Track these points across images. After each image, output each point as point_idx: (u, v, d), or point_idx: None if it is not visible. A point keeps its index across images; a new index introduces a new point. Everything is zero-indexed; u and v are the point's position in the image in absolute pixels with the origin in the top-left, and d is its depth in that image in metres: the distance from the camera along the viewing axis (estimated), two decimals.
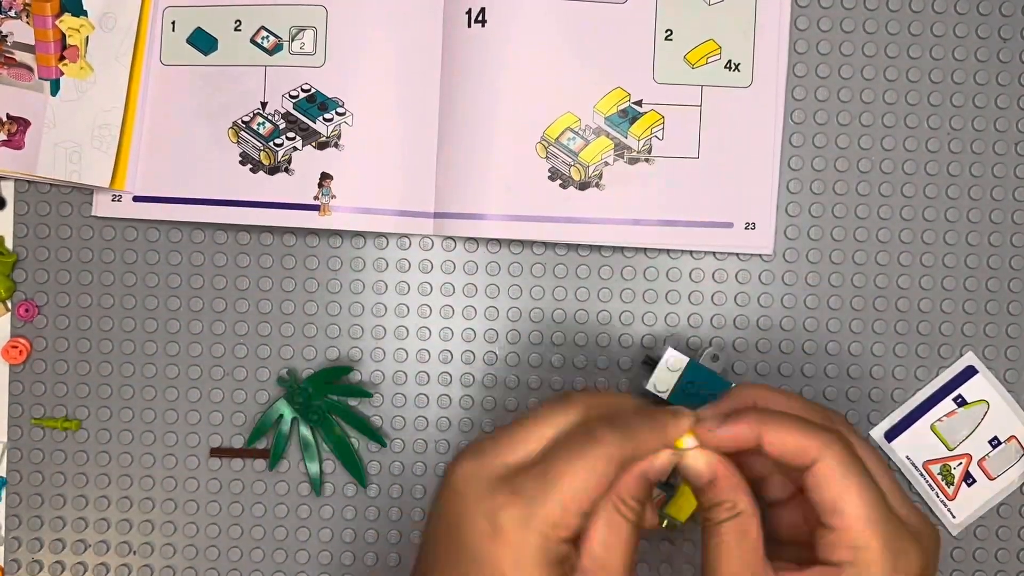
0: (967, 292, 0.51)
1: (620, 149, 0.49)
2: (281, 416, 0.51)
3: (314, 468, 0.51)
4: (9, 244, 0.52)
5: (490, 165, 0.49)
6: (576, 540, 0.36)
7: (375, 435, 0.51)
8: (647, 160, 0.49)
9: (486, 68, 0.49)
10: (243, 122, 0.50)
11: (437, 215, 0.50)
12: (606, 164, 0.49)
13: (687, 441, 0.36)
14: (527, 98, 0.49)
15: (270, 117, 0.50)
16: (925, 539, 0.36)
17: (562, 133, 0.49)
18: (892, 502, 0.36)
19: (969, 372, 0.51)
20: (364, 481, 0.51)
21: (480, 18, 0.48)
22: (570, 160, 0.49)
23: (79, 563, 0.52)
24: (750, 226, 0.50)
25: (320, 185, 0.49)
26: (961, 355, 0.51)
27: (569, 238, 0.50)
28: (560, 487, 0.34)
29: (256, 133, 0.50)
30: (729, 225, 0.50)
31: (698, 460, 0.36)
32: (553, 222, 0.49)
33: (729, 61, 0.49)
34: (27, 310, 0.52)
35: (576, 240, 0.50)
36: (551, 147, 0.49)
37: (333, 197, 0.49)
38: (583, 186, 0.49)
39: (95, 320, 0.52)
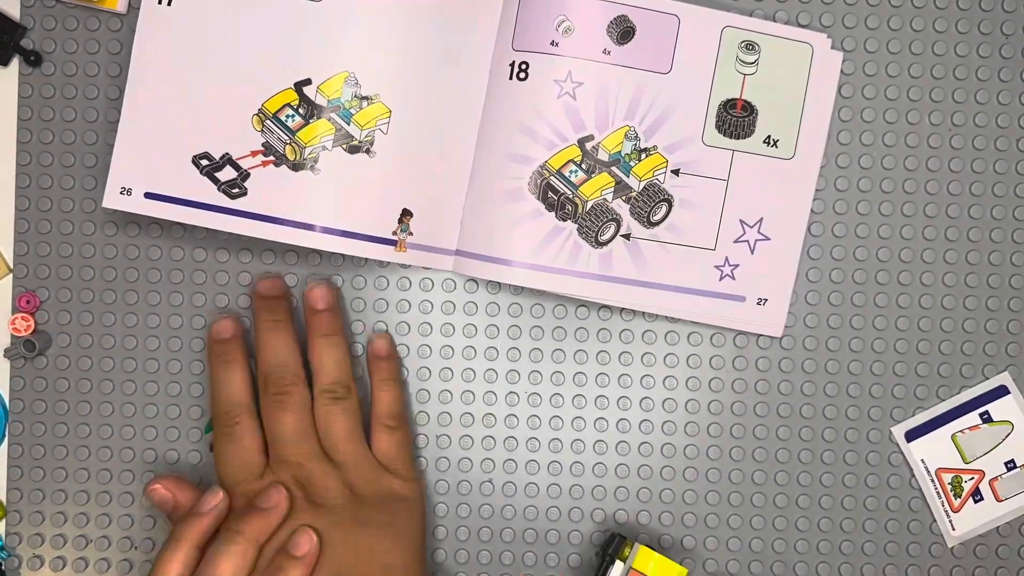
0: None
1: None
2: None
3: None
4: (11, 240, 0.52)
5: (519, 213, 0.49)
6: None
7: None
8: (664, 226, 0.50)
9: (522, 120, 0.49)
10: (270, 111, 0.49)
11: (459, 252, 0.50)
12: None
13: None
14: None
15: (300, 111, 0.48)
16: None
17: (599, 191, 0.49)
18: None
19: (1001, 391, 0.51)
20: None
21: (522, 73, 0.48)
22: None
23: (80, 558, 0.52)
24: (762, 302, 0.50)
25: (400, 221, 0.49)
26: (998, 372, 0.51)
27: (587, 295, 0.50)
28: None
29: (284, 125, 0.49)
30: (741, 299, 0.50)
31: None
32: (575, 276, 0.49)
33: (768, 136, 0.50)
34: (28, 301, 0.52)
35: (589, 297, 0.50)
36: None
37: (411, 234, 0.49)
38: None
39: (97, 316, 0.52)
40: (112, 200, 0.48)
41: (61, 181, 0.52)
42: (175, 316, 0.52)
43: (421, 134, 0.49)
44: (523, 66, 0.48)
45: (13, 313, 0.52)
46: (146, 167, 0.49)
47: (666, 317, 0.52)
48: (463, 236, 0.50)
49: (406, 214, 0.49)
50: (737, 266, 0.50)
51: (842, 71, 0.51)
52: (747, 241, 0.50)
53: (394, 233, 0.49)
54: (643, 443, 0.52)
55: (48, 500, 0.52)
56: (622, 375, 0.52)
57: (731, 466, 0.52)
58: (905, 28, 0.51)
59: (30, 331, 0.52)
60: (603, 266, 0.49)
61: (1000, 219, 0.51)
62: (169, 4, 0.48)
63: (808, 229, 0.51)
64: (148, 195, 0.48)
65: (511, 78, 0.49)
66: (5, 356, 0.52)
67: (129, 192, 0.48)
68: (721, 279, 0.50)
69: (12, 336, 0.52)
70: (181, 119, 0.49)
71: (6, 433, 0.52)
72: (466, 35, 0.49)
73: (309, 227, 0.48)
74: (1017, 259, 0.51)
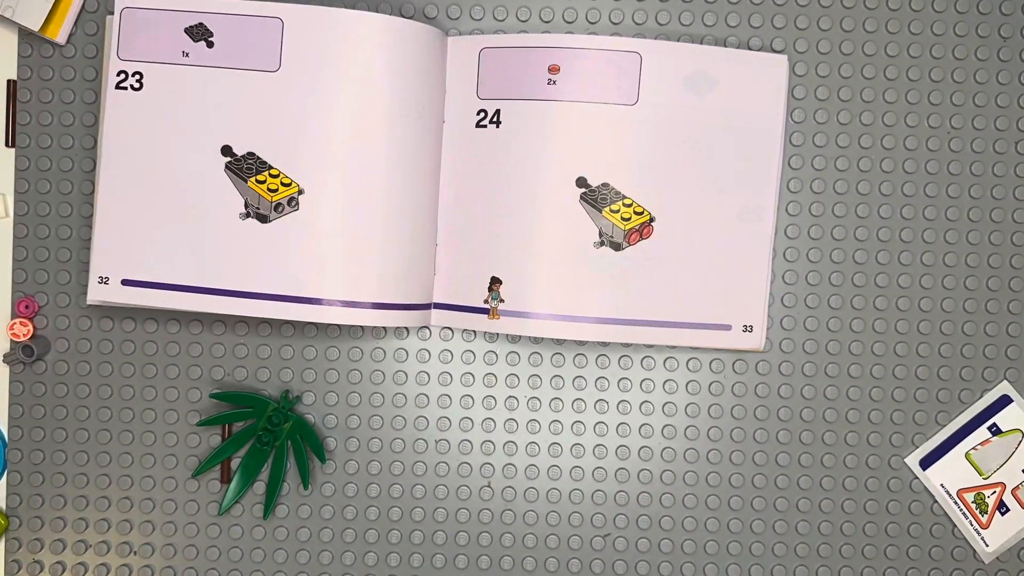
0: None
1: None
2: (251, 408, 0.51)
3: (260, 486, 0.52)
4: (9, 243, 0.52)
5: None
6: None
7: (321, 453, 0.52)
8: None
9: (498, 166, 0.49)
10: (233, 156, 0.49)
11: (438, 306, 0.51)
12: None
13: None
14: (549, 193, 0.49)
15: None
16: None
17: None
18: None
19: (1004, 401, 0.51)
20: (307, 483, 0.52)
21: (495, 119, 0.49)
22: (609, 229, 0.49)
23: (80, 563, 0.52)
24: (748, 328, 0.50)
25: (490, 289, 0.49)
26: (1000, 382, 0.51)
27: (577, 336, 0.49)
28: None
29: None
30: (728, 327, 0.50)
31: None
32: (564, 320, 0.49)
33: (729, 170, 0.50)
34: (27, 306, 0.52)
35: (579, 338, 0.49)
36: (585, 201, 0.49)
37: (502, 301, 0.49)
38: (617, 247, 0.49)
39: (95, 320, 0.52)
40: (94, 293, 0.49)
41: (60, 186, 0.52)
42: (172, 321, 0.52)
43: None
44: (496, 113, 0.49)
45: (12, 318, 0.52)
46: (124, 253, 0.49)
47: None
48: (443, 290, 0.50)
49: (495, 282, 0.49)
50: (719, 296, 0.50)
51: (839, 74, 0.51)
52: (721, 272, 0.50)
53: (485, 301, 0.49)
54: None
55: (47, 505, 0.52)
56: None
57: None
58: (903, 31, 0.51)
59: (29, 336, 0.51)
60: (593, 308, 0.49)
61: (999, 222, 0.51)
62: (139, 88, 0.49)
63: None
64: (125, 282, 0.49)
65: (483, 125, 0.49)
66: (4, 361, 0.52)
67: (106, 281, 0.49)
68: (706, 310, 0.50)
69: (11, 341, 0.52)
70: (158, 200, 0.49)
71: (6, 462, 0.52)
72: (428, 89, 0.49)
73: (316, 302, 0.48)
74: (1017, 262, 0.51)
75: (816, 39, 0.51)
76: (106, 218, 0.49)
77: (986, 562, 0.51)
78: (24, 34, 0.52)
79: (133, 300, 0.49)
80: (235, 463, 0.52)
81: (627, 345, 0.52)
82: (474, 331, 0.52)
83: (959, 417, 0.51)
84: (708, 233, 0.50)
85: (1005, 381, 0.51)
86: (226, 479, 0.52)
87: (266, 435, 0.51)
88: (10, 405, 0.52)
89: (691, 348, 0.52)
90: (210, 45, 0.48)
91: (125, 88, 0.49)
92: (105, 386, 0.52)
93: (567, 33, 0.50)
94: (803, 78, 0.51)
